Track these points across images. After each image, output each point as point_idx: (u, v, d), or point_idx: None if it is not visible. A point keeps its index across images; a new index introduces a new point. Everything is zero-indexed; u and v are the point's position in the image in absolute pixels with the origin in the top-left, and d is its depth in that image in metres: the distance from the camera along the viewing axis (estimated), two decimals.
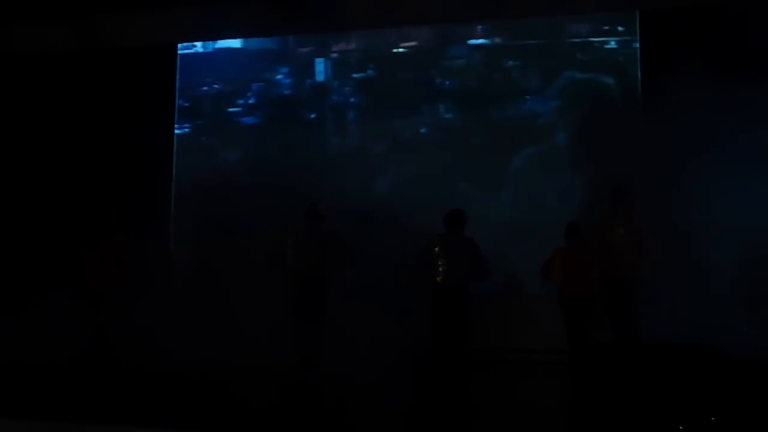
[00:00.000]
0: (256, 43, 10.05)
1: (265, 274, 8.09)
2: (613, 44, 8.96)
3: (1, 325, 7.83)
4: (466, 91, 9.32)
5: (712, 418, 5.42)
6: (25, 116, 10.05)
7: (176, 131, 10.12)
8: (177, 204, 9.93)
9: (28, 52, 10.14)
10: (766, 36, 7.43)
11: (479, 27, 9.38)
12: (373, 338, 7.30)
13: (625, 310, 7.07)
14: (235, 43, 10.09)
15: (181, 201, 9.90)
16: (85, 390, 6.90)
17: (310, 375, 7.51)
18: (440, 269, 7.52)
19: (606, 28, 9.00)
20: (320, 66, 9.79)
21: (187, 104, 10.16)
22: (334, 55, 9.80)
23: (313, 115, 9.78)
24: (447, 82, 9.41)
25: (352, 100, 9.68)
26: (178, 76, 10.16)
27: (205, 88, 10.14)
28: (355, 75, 9.70)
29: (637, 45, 8.79)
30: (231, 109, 10.00)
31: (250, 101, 9.96)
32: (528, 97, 9.10)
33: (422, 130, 9.42)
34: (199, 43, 10.20)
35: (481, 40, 9.38)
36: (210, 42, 10.15)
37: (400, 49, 9.59)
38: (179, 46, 10.19)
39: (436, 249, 7.58)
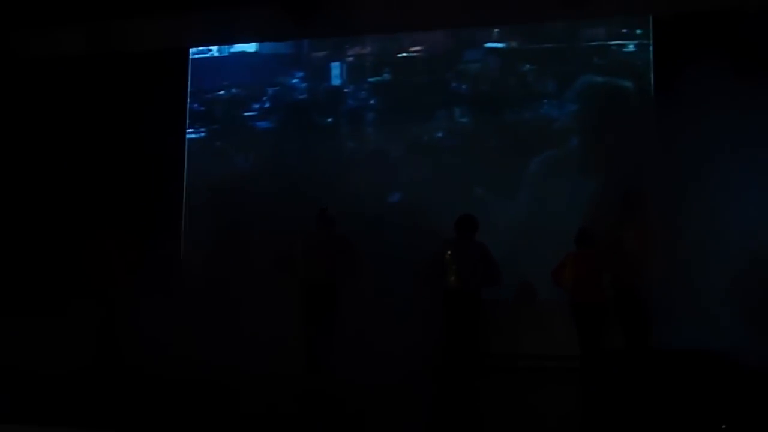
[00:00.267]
0: (271, 47, 10.02)
1: (276, 279, 8.07)
2: (631, 47, 8.87)
3: (10, 330, 7.89)
4: (481, 95, 9.26)
5: (723, 426, 5.33)
6: (38, 120, 10.09)
7: (191, 136, 10.11)
8: (189, 209, 9.92)
9: (42, 57, 10.19)
10: None
11: (495, 30, 9.30)
12: (384, 343, 7.28)
13: (636, 316, 6.99)
14: (250, 47, 10.07)
15: (193, 206, 9.88)
16: (96, 396, 6.92)
17: (320, 380, 7.48)
18: (451, 274, 7.49)
19: (624, 31, 8.90)
20: (335, 70, 9.77)
21: (202, 108, 10.16)
22: (350, 59, 9.77)
23: (328, 120, 9.74)
24: (463, 86, 9.34)
25: (367, 104, 9.62)
26: (189, 81, 10.15)
27: (221, 92, 10.13)
28: (370, 79, 9.65)
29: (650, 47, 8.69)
30: (246, 114, 9.98)
31: (266, 105, 9.94)
32: (544, 101, 9.01)
33: (438, 134, 9.36)
34: (214, 48, 10.19)
35: (496, 44, 9.31)
36: (225, 46, 10.15)
37: (415, 53, 9.53)
38: (193, 50, 10.19)
39: (448, 254, 7.55)
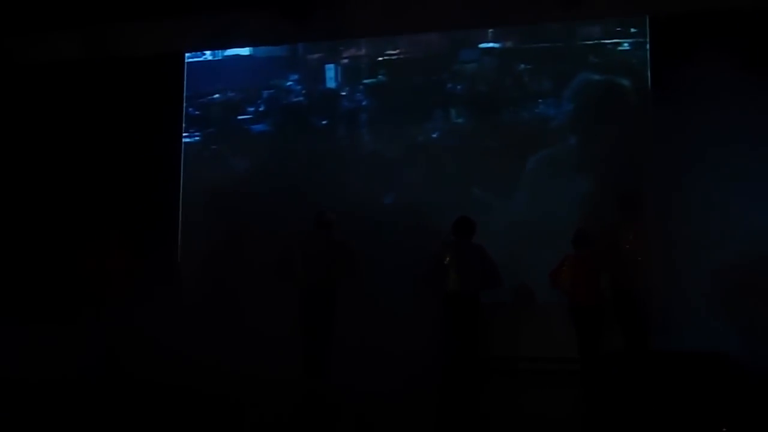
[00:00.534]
0: (265, 50, 9.99)
1: (273, 283, 8.03)
2: (626, 45, 8.83)
3: (6, 338, 7.85)
4: (477, 96, 9.24)
5: (724, 429, 5.32)
6: (35, 126, 10.08)
7: (186, 140, 10.09)
8: (185, 214, 9.90)
9: (39, 62, 10.19)
10: None
11: (490, 31, 9.27)
12: (383, 348, 7.27)
13: (635, 318, 6.98)
14: (244, 50, 10.05)
15: (189, 210, 9.87)
16: (93, 402, 6.88)
17: (318, 385, 7.45)
18: (451, 277, 7.44)
19: (618, 29, 8.85)
20: (330, 72, 9.73)
21: (197, 112, 10.13)
22: (345, 61, 9.74)
23: (324, 122, 9.71)
24: (458, 87, 9.31)
25: (362, 105, 9.60)
26: (185, 85, 10.12)
27: (215, 96, 10.10)
28: (365, 81, 9.62)
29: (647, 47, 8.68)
30: (241, 117, 9.95)
31: (261, 108, 9.91)
32: (539, 100, 8.98)
33: (434, 135, 9.34)
34: (208, 52, 10.17)
35: (492, 44, 9.28)
36: (216, 50, 10.13)
37: (410, 54, 9.50)
38: (187, 54, 10.16)
39: (446, 257, 7.50)
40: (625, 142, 8.07)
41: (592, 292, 7.08)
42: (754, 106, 6.85)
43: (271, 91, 9.89)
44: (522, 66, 9.11)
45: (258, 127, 9.91)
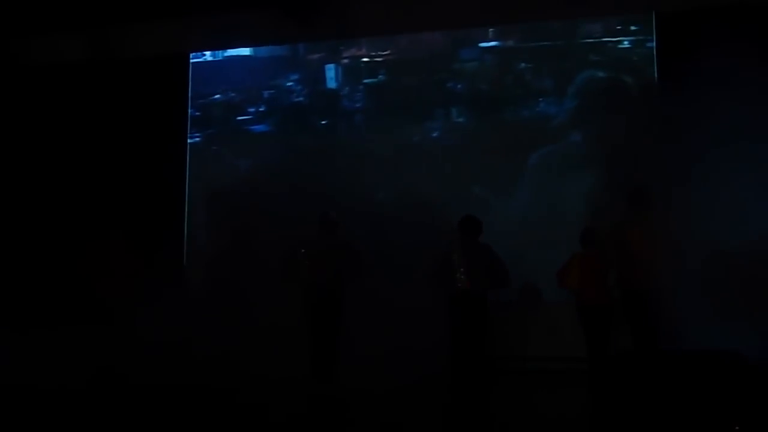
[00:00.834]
0: (266, 50, 9.98)
1: (279, 285, 8.01)
2: (626, 44, 8.84)
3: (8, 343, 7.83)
4: (478, 94, 9.23)
5: (737, 428, 5.30)
6: (39, 127, 10.06)
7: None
8: (190, 215, 9.88)
9: (44, 64, 10.18)
10: None
11: (490, 30, 9.27)
12: (390, 347, 7.26)
13: (645, 317, 6.92)
14: (244, 50, 10.03)
15: (192, 211, 9.86)
16: (97, 408, 6.85)
17: (325, 386, 7.44)
18: (459, 277, 7.34)
19: (618, 27, 8.87)
20: (330, 72, 9.72)
21: (197, 113, 10.10)
22: (345, 61, 9.73)
23: (323, 122, 9.70)
24: (459, 86, 9.30)
25: (363, 105, 9.59)
26: (190, 86, 10.10)
27: (216, 96, 10.07)
28: (366, 80, 9.61)
29: (653, 44, 8.68)
30: (242, 117, 9.93)
31: (261, 109, 9.89)
32: (542, 99, 8.98)
33: (434, 134, 9.31)
34: (208, 52, 10.15)
35: (495, 42, 9.27)
36: (219, 51, 10.11)
37: (411, 54, 9.48)
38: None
39: (454, 256, 7.41)
40: (631, 140, 8.07)
41: (600, 292, 7.04)
42: (763, 101, 6.85)
43: (272, 91, 9.87)
44: (523, 65, 9.10)
45: (259, 128, 9.89)
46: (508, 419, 6.57)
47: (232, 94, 10.01)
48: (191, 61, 10.15)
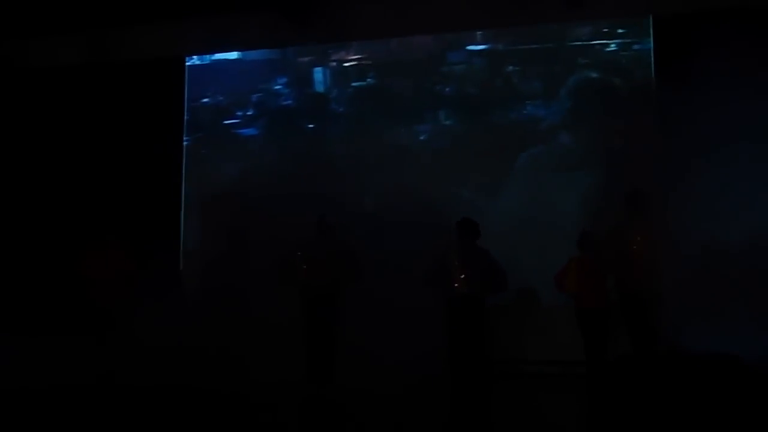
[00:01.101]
0: (255, 54, 9.94)
1: (276, 288, 8.01)
2: (613, 47, 8.90)
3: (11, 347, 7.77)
4: (467, 97, 9.23)
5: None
6: (35, 130, 10.01)
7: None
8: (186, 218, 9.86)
9: (38, 67, 10.13)
10: None
11: (478, 33, 9.29)
12: (387, 351, 7.26)
13: (644, 320, 6.93)
14: (233, 54, 10.00)
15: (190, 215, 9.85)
16: (94, 410, 6.81)
17: (323, 390, 7.44)
18: (458, 280, 7.31)
19: (605, 30, 8.91)
20: (319, 75, 9.71)
21: (186, 117, 10.05)
22: (334, 64, 9.71)
23: (311, 125, 9.69)
24: (447, 89, 9.31)
25: (351, 108, 9.58)
26: (186, 89, 10.05)
27: (205, 99, 10.03)
28: (354, 84, 9.60)
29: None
30: (232, 121, 9.91)
31: (249, 113, 9.86)
32: (532, 101, 8.99)
33: (422, 138, 9.31)
34: (195, 56, 10.11)
35: (482, 46, 9.29)
36: (206, 54, 10.07)
37: (400, 57, 9.47)
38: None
39: (452, 259, 7.38)
40: (626, 142, 8.15)
41: (598, 295, 7.04)
42: (760, 103, 6.88)
43: (261, 94, 9.83)
44: (511, 67, 9.12)
45: (247, 131, 9.86)
46: (506, 423, 6.57)
47: (221, 98, 9.98)
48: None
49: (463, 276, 7.29)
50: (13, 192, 9.96)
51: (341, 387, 7.41)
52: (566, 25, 8.95)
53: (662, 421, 5.71)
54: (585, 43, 8.94)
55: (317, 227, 7.85)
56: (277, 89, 9.82)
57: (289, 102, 9.81)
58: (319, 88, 9.74)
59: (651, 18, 8.70)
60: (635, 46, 8.83)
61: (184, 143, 10.00)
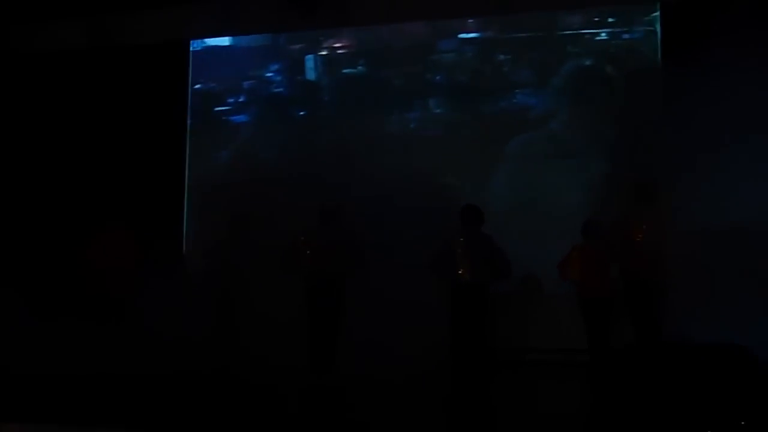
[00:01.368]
0: (246, 40, 9.92)
1: (280, 276, 7.97)
2: (603, 35, 8.87)
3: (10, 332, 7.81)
4: (459, 85, 9.24)
5: (742, 423, 5.23)
6: (36, 114, 9.98)
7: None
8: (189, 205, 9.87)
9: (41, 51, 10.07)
10: None
11: (470, 21, 9.29)
12: (391, 339, 7.27)
13: (648, 309, 6.91)
14: (224, 40, 9.99)
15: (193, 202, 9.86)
16: (97, 396, 6.74)
17: (325, 378, 7.43)
18: (461, 267, 7.27)
19: (596, 19, 8.89)
20: (310, 63, 9.69)
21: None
22: (325, 51, 9.69)
23: (301, 113, 9.70)
24: (437, 77, 9.30)
25: (342, 95, 9.58)
26: (190, 73, 10.04)
27: (197, 86, 10.02)
28: (345, 71, 9.59)
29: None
30: (220, 108, 9.92)
31: (241, 99, 9.88)
32: (526, 90, 9.00)
33: (412, 126, 9.32)
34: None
35: (473, 34, 9.28)
36: (198, 41, 10.05)
37: (392, 44, 9.46)
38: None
39: (456, 246, 7.34)
40: (635, 130, 8.11)
41: (601, 284, 7.01)
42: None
43: (252, 81, 9.82)
44: (506, 56, 9.11)
45: (238, 118, 9.87)
46: (508, 411, 6.56)
47: (212, 84, 9.98)
48: None
49: (467, 263, 7.24)
50: (15, 178, 9.89)
51: (342, 374, 7.40)
52: (568, 12, 8.93)
53: (666, 411, 5.63)
54: (579, 31, 8.94)
55: (320, 213, 7.78)
56: (268, 77, 9.79)
57: (281, 90, 9.79)
58: (311, 75, 9.72)
59: (659, 3, 8.65)
60: (619, 36, 8.81)
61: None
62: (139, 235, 8.42)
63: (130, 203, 8.97)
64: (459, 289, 7.26)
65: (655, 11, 8.67)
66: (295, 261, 7.71)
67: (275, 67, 9.82)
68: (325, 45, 9.71)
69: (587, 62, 8.89)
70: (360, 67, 9.57)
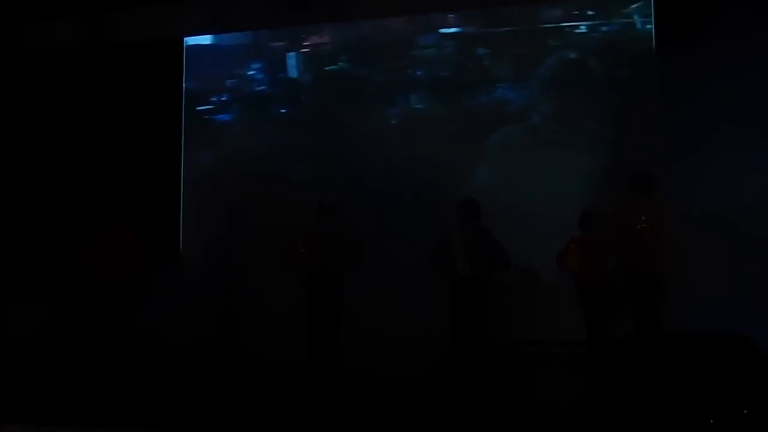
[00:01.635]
0: (228, 39, 9.96)
1: (278, 271, 7.96)
2: (583, 28, 8.88)
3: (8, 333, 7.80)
4: (441, 80, 9.25)
5: (745, 411, 5.21)
6: (31, 113, 10.01)
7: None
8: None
9: (36, 50, 10.10)
10: None
11: (450, 15, 9.30)
12: (391, 333, 7.34)
13: (648, 300, 6.88)
14: (205, 38, 10.03)
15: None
16: (95, 394, 6.73)
17: (325, 373, 7.45)
18: (459, 262, 7.23)
19: (576, 12, 8.92)
20: (291, 60, 9.71)
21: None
22: (306, 49, 9.71)
23: (282, 110, 9.71)
24: (418, 72, 9.31)
25: (323, 92, 9.59)
26: (185, 70, 10.06)
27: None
28: (327, 68, 9.60)
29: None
30: (202, 108, 9.96)
31: (223, 98, 9.92)
32: (510, 83, 9.02)
33: (394, 121, 9.32)
34: None
35: (453, 29, 9.29)
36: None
37: (373, 40, 9.48)
38: None
39: (454, 240, 7.29)
40: (631, 122, 8.09)
41: (600, 275, 7.01)
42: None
43: (234, 80, 9.86)
44: (487, 50, 9.13)
45: (221, 117, 9.90)
46: (509, 403, 6.56)
47: (194, 83, 10.01)
48: None
49: (464, 258, 7.20)
50: (10, 176, 9.92)
51: (342, 369, 7.41)
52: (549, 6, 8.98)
53: (668, 402, 5.59)
54: (551, 25, 8.95)
55: (318, 208, 7.78)
56: (250, 75, 9.82)
57: (263, 88, 9.80)
58: (292, 73, 9.74)
59: None
60: (598, 28, 8.83)
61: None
62: (135, 232, 8.40)
63: (125, 200, 8.95)
64: (458, 283, 7.23)
65: (636, 2, 8.69)
66: (295, 256, 7.71)
67: (257, 65, 9.84)
68: (307, 42, 9.70)
69: (570, 55, 8.89)
70: (341, 64, 9.57)
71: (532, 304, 8.29)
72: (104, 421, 5.82)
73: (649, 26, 8.66)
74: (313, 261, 7.61)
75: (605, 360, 6.84)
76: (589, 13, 8.88)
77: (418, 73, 9.35)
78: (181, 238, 9.71)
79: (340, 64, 9.59)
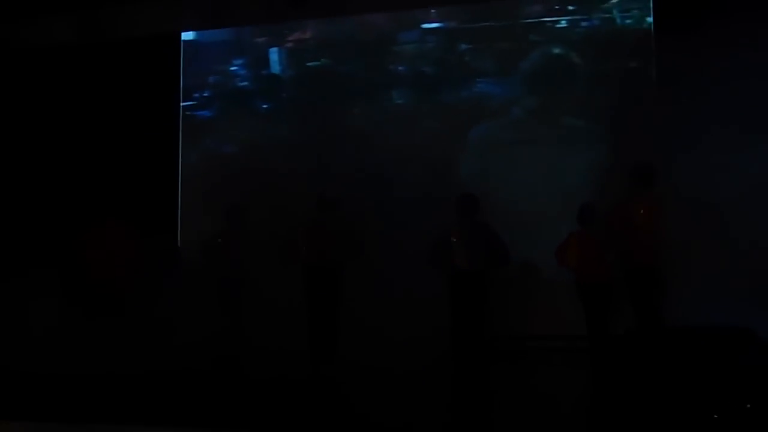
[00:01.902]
0: (210, 35, 9.95)
1: (278, 266, 7.99)
2: (563, 23, 8.88)
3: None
4: (423, 75, 9.24)
5: (748, 405, 5.20)
6: (27, 110, 9.98)
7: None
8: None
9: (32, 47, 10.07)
10: None
11: (432, 11, 9.28)
12: (390, 329, 7.34)
13: (649, 295, 6.87)
14: (189, 35, 10.00)
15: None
16: (95, 391, 6.73)
17: (325, 368, 7.45)
18: (458, 257, 7.24)
19: (557, 7, 8.91)
20: (274, 56, 9.70)
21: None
22: (289, 44, 9.70)
23: (264, 106, 9.71)
24: (400, 67, 9.30)
25: (306, 88, 9.58)
26: (182, 65, 10.01)
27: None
28: (309, 64, 9.59)
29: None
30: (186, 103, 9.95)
31: (205, 94, 9.92)
32: (494, 78, 9.00)
33: (377, 118, 9.27)
34: None
35: (435, 24, 9.28)
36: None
37: (356, 36, 9.46)
38: None
39: (453, 235, 7.31)
40: (629, 115, 8.06)
41: (600, 269, 6.98)
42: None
43: (217, 76, 9.85)
44: (464, 45, 9.12)
45: (203, 113, 9.90)
46: (509, 398, 6.56)
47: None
48: None
49: (464, 253, 7.21)
50: (5, 173, 9.89)
51: (342, 364, 7.42)
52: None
53: (670, 396, 5.59)
54: (533, 20, 8.94)
55: (318, 203, 7.78)
56: (233, 71, 9.81)
57: (245, 83, 9.79)
58: (275, 68, 9.73)
59: None
60: (578, 23, 8.82)
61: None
62: (133, 228, 8.40)
63: (123, 196, 8.96)
64: (458, 278, 7.23)
65: None
66: (294, 251, 7.73)
67: (239, 61, 9.83)
68: (290, 38, 9.69)
69: (555, 50, 8.87)
70: (324, 59, 9.56)
71: (532, 298, 8.22)
72: (104, 420, 5.84)
73: (629, 21, 8.66)
74: (313, 256, 7.62)
75: (606, 354, 6.82)
76: (570, 8, 8.89)
77: (400, 68, 9.32)
78: (179, 238, 9.70)
79: (322, 59, 9.57)
